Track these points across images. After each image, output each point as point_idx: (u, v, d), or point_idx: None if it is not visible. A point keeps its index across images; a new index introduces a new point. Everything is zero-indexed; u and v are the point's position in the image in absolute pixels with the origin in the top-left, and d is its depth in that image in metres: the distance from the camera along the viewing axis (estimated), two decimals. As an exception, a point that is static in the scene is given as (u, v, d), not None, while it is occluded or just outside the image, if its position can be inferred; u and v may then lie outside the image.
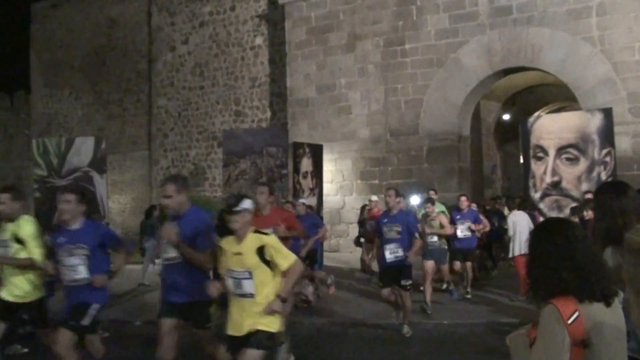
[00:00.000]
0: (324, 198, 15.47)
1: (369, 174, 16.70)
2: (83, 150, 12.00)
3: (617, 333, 2.38)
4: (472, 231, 11.26)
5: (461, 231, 11.11)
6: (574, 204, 10.12)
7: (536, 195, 11.03)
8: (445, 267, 10.98)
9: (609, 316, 2.36)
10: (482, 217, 12.09)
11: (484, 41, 15.22)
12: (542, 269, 2.43)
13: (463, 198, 11.59)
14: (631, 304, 1.35)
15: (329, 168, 16.50)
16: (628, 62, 13.69)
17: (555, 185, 10.78)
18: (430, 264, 10.21)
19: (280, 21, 19.26)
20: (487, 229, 12.35)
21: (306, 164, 14.77)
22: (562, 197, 10.68)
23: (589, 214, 8.02)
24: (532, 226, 10.69)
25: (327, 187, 16.15)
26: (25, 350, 8.16)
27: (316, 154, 15.23)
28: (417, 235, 8.65)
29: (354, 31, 16.96)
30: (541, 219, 10.38)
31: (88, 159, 11.96)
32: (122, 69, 24.75)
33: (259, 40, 21.45)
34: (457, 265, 11.32)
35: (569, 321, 2.30)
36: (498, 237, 13.15)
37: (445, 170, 15.85)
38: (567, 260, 2.38)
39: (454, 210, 11.68)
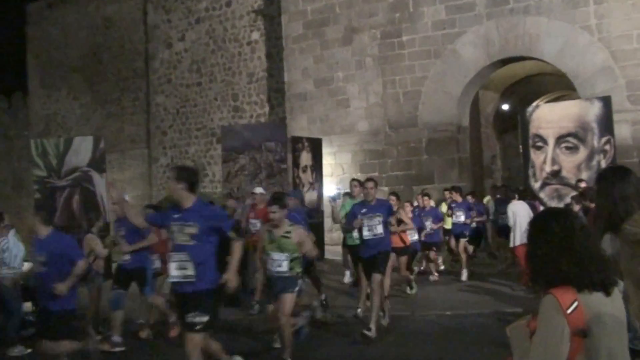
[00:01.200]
0: (324, 192, 15.46)
1: (368, 166, 16.67)
2: (82, 149, 11.98)
3: (616, 322, 2.38)
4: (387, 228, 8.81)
5: (368, 229, 8.41)
6: (574, 193, 10.12)
7: (536, 185, 11.03)
8: (289, 297, 6.70)
9: (608, 305, 2.36)
10: (403, 212, 10.13)
11: (481, 31, 15.18)
12: (541, 259, 2.42)
13: (369, 184, 8.61)
14: (629, 295, 1.35)
15: (328, 162, 16.48)
16: (626, 50, 13.65)
17: (555, 175, 10.78)
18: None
19: (277, 16, 19.21)
20: (409, 227, 10.30)
21: (305, 158, 14.76)
22: (562, 186, 10.69)
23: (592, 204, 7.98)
24: (532, 216, 10.69)
25: (327, 180, 16.13)
26: (29, 351, 8.17)
27: (315, 147, 15.23)
28: (233, 237, 5.76)
29: (351, 24, 16.91)
30: (542, 208, 10.38)
31: (87, 158, 11.93)
32: (119, 67, 24.70)
33: (255, 35, 21.40)
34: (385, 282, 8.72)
35: (569, 311, 2.29)
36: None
37: (445, 162, 15.83)
38: (566, 250, 2.37)
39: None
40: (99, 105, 25.21)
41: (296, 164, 14.36)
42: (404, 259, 10.41)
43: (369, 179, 8.87)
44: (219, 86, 22.09)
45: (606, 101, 10.89)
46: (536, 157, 11.02)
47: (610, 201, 3.24)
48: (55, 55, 26.34)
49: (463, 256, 12.63)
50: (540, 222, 2.54)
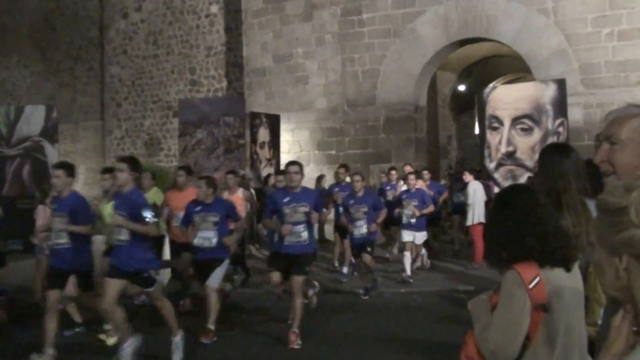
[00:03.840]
0: (282, 169, 15.42)
1: (326, 144, 16.68)
2: (33, 119, 11.71)
3: (576, 297, 2.44)
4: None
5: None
6: (528, 174, 10.31)
7: (491, 165, 11.20)
8: None
9: (568, 281, 2.42)
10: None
11: (440, 11, 15.24)
12: (505, 234, 2.46)
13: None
14: (602, 267, 1.38)
15: (286, 138, 16.43)
16: (580, 34, 13.89)
17: (510, 155, 10.96)
18: None
19: (236, -12, 18.95)
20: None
21: (263, 134, 14.69)
22: (516, 166, 10.87)
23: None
24: (484, 197, 10.89)
25: (285, 157, 16.05)
26: None
27: (273, 124, 15.16)
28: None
29: (311, 0, 16.79)
30: (496, 188, 10.56)
31: (39, 127, 11.68)
32: (73, 36, 24.04)
33: (214, 8, 21.07)
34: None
35: (530, 286, 2.35)
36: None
37: (402, 141, 15.93)
38: (529, 226, 2.42)
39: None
40: (50, 74, 24.53)
41: (254, 139, 14.28)
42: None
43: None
44: (176, 59, 21.73)
45: (561, 84, 11.09)
46: (492, 137, 11.17)
47: (550, 177, 3.32)
48: (5, 20, 25.47)
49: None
50: (505, 198, 2.58)
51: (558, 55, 14.04)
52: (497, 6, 14.54)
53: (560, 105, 10.83)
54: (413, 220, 10.41)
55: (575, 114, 13.19)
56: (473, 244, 11.17)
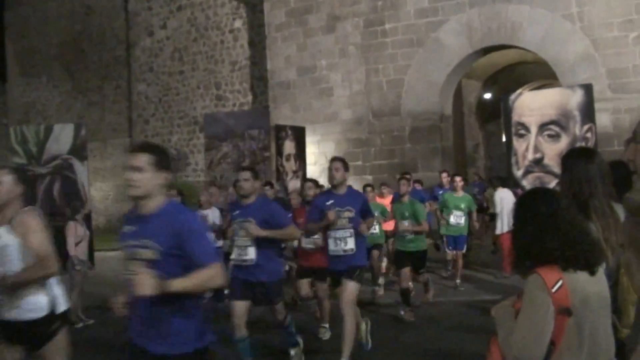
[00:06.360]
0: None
1: (352, 155, 16.64)
2: (62, 137, 11.86)
3: (601, 302, 2.39)
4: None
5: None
6: (556, 180, 10.17)
7: (519, 173, 11.06)
8: None
9: (592, 285, 2.37)
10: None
11: (463, 20, 15.19)
12: (527, 238, 2.43)
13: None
14: (631, 266, 1.35)
15: (311, 150, 16.44)
16: (607, 38, 13.73)
17: (538, 162, 10.82)
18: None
19: (259, 3, 19.08)
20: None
21: (289, 147, 14.71)
22: (544, 173, 10.72)
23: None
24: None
25: (311, 169, 16.09)
26: None
27: (299, 136, 15.18)
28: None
29: (334, 12, 16.85)
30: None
31: (68, 146, 11.83)
32: (100, 55, 24.45)
33: (238, 23, 21.26)
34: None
35: (553, 290, 2.30)
36: None
37: (428, 150, 15.86)
38: (551, 229, 2.38)
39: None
40: (79, 94, 24.95)
41: (279, 152, 14.31)
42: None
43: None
44: (202, 74, 21.95)
45: (587, 89, 10.92)
46: (519, 145, 11.03)
47: (575, 181, 3.28)
48: (35, 43, 26.01)
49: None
50: (527, 202, 2.55)
51: (584, 60, 13.89)
52: (521, 13, 14.44)
53: (588, 111, 10.66)
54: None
55: (603, 120, 13.02)
56: (502, 253, 11.07)
